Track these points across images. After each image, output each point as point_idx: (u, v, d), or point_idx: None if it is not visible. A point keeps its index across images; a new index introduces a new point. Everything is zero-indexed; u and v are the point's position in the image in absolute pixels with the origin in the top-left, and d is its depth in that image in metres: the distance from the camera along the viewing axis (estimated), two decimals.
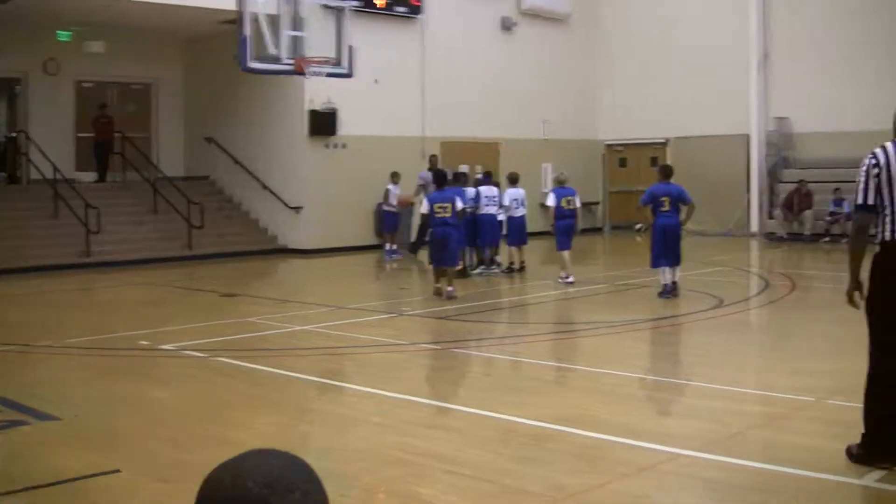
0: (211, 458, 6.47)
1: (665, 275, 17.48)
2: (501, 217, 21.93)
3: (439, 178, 18.93)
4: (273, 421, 9.62)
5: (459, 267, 20.48)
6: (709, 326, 15.05)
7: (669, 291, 17.38)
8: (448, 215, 18.07)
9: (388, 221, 26.68)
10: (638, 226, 32.89)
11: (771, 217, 31.09)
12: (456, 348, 13.43)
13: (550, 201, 20.43)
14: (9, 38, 25.85)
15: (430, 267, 18.76)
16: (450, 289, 17.96)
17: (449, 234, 18.09)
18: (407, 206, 25.00)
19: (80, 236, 24.95)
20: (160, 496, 7.12)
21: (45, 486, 7.50)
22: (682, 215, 17.71)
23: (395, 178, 26.49)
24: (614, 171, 35.94)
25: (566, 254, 19.93)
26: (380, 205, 27.28)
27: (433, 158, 27.43)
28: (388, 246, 26.51)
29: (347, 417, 9.62)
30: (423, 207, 18.62)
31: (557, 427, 8.77)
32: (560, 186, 20.68)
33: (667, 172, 18.09)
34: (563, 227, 20.26)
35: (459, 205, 18.39)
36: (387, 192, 26.36)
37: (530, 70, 33.15)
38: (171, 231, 27.17)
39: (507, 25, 32.67)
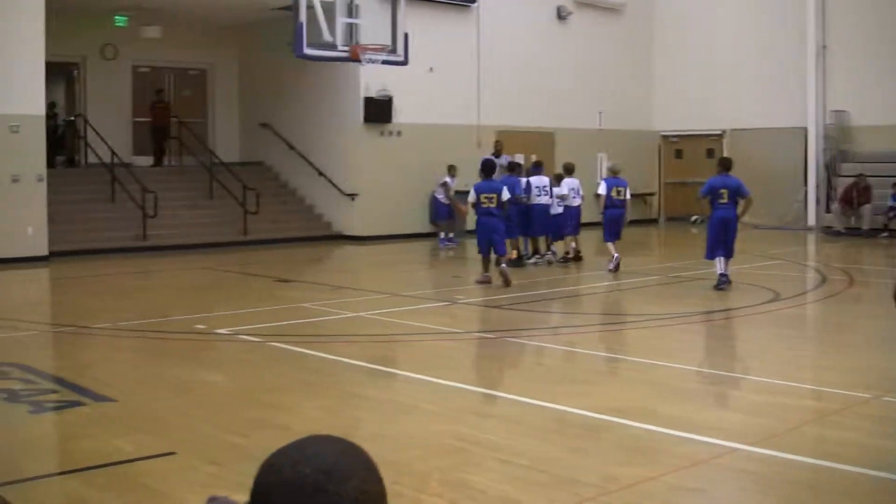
0: (263, 442, 6.55)
1: (721, 265, 17.39)
2: (559, 208, 21.81)
3: (486, 168, 18.87)
4: (324, 406, 9.64)
5: (514, 256, 20.52)
6: (764, 320, 14.93)
7: (725, 282, 17.29)
8: (493, 205, 18.05)
9: (441, 211, 26.68)
10: (693, 217, 32.71)
11: (828, 211, 30.77)
12: (509, 337, 13.41)
13: (601, 190, 20.47)
14: (67, 23, 26.04)
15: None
16: (486, 275, 18.08)
17: (493, 225, 18.07)
18: (462, 213, 24.50)
19: (136, 220, 25.14)
20: (213, 479, 7.15)
21: (100, 466, 7.56)
22: (740, 208, 17.58)
23: (451, 171, 26.44)
24: (670, 162, 35.74)
25: (611, 245, 19.97)
26: (434, 194, 27.29)
27: (498, 144, 27.37)
28: (442, 235, 26.51)
29: (400, 404, 9.62)
30: (470, 197, 18.58)
31: (611, 418, 8.73)
32: (612, 176, 20.68)
33: (726, 164, 18.01)
34: (610, 217, 20.29)
35: (506, 195, 18.34)
36: (444, 183, 26.31)
37: (585, 60, 33.01)
38: (227, 216, 27.32)
39: (562, 15, 32.55)
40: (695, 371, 11.30)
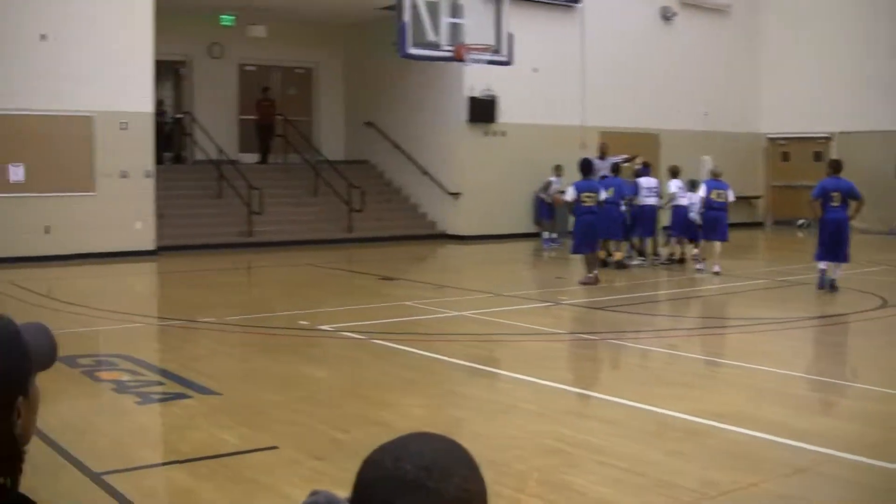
0: (364, 438, 6.61)
1: (825, 268, 17.22)
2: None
3: (585, 168, 18.91)
4: (425, 404, 9.70)
5: (619, 257, 20.55)
6: (871, 327, 14.70)
7: (824, 285, 17.13)
8: (593, 204, 18.13)
9: (545, 211, 26.63)
10: (801, 221, 32.28)
11: None
12: (611, 339, 13.36)
13: (701, 192, 20.40)
14: (175, 22, 26.42)
15: (584, 256, 18.76)
16: (591, 275, 18.11)
17: (594, 223, 18.17)
18: (560, 205, 24.53)
19: (242, 216, 25.46)
20: (316, 474, 7.22)
21: (205, 458, 7.68)
22: (851, 210, 17.38)
23: (558, 171, 26.35)
24: (776, 164, 35.27)
25: (717, 245, 19.90)
26: (537, 194, 27.25)
27: (603, 146, 27.33)
28: (546, 235, 26.47)
29: (501, 404, 9.64)
30: (569, 195, 18.62)
31: (712, 423, 8.67)
32: (713, 179, 20.61)
33: (836, 167, 17.83)
34: (709, 220, 20.20)
35: (602, 195, 18.44)
36: (548, 183, 26.26)
37: (690, 61, 32.72)
38: (331, 214, 27.53)
39: (666, 15, 32.31)
40: (799, 377, 11.15)
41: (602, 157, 27.15)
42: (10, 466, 1.96)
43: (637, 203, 21.39)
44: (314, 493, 1.91)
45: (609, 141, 28.82)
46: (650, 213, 21.66)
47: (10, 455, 1.96)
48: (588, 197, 18.42)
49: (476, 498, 1.88)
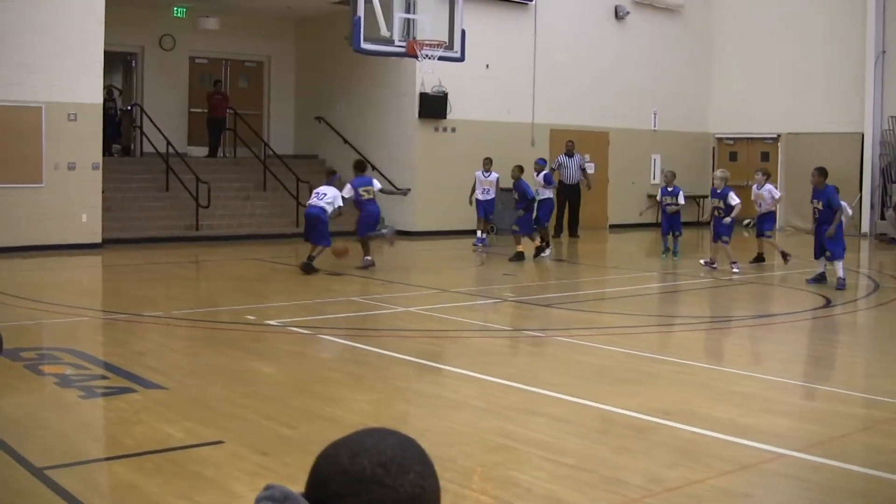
0: (311, 434, 6.59)
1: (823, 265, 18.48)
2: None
3: (359, 166, 21.19)
4: (372, 399, 9.67)
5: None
6: (816, 326, 14.85)
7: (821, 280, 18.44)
8: (371, 197, 20.29)
9: (477, 207, 26.03)
10: (746, 221, 32.44)
11: (883, 218, 30.49)
12: (559, 336, 13.38)
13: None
14: (126, 13, 26.26)
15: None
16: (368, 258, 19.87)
17: (376, 212, 20.52)
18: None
19: (190, 210, 25.34)
20: (261, 469, 7.19)
21: (151, 452, 7.63)
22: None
23: (486, 165, 25.81)
24: (724, 165, 35.38)
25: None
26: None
27: (569, 144, 27.87)
28: (479, 233, 26.16)
29: (447, 400, 9.63)
30: (346, 192, 20.16)
31: (658, 420, 8.71)
32: (664, 185, 21.81)
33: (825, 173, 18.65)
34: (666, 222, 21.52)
35: (377, 187, 20.61)
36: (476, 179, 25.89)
37: (642, 60, 32.87)
38: (279, 208, 27.45)
39: (619, 14, 32.43)
40: (743, 375, 11.19)
41: (569, 155, 27.47)
42: None
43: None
44: (269, 488, 1.90)
45: (560, 138, 29.06)
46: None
47: None
48: (365, 191, 20.02)
49: (431, 494, 1.88)
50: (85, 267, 21.71)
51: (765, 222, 21.50)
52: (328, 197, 19.59)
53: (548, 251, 22.82)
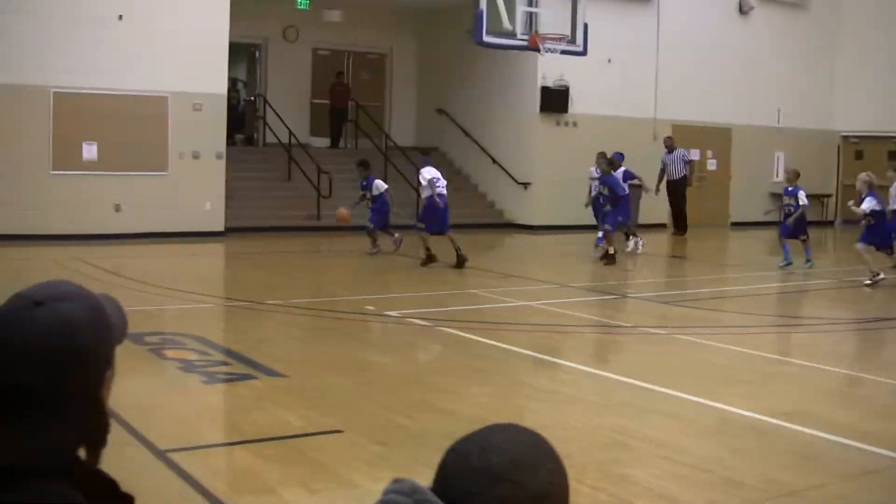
0: (429, 425, 6.59)
1: None
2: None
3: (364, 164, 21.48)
4: (490, 392, 9.67)
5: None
6: None
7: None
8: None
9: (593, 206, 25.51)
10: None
11: None
12: (678, 334, 13.24)
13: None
14: (251, 5, 26.55)
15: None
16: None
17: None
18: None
19: (311, 199, 25.54)
20: (379, 459, 7.23)
21: (269, 439, 7.73)
22: None
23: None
24: (849, 163, 34.80)
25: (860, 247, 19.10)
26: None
27: (668, 140, 27.25)
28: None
29: (565, 395, 9.60)
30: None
31: (777, 421, 8.57)
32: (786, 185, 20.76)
33: None
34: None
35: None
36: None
37: (766, 55, 32.34)
38: (400, 199, 27.51)
39: (744, 9, 31.98)
40: (866, 378, 10.97)
41: (670, 150, 27.02)
42: (99, 437, 1.99)
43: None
44: (397, 481, 1.89)
45: (681, 134, 28.70)
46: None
47: (98, 426, 1.99)
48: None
49: (560, 491, 1.87)
50: (208, 254, 22.05)
51: None
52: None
53: (636, 244, 22.53)
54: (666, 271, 21.79)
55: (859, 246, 18.61)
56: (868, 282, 17.93)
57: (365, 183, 20.94)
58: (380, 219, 20.75)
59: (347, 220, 20.17)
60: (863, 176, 19.09)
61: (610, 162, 21.72)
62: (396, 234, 20.76)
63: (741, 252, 26.24)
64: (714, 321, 14.97)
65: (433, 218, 19.24)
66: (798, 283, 18.91)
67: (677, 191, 27.99)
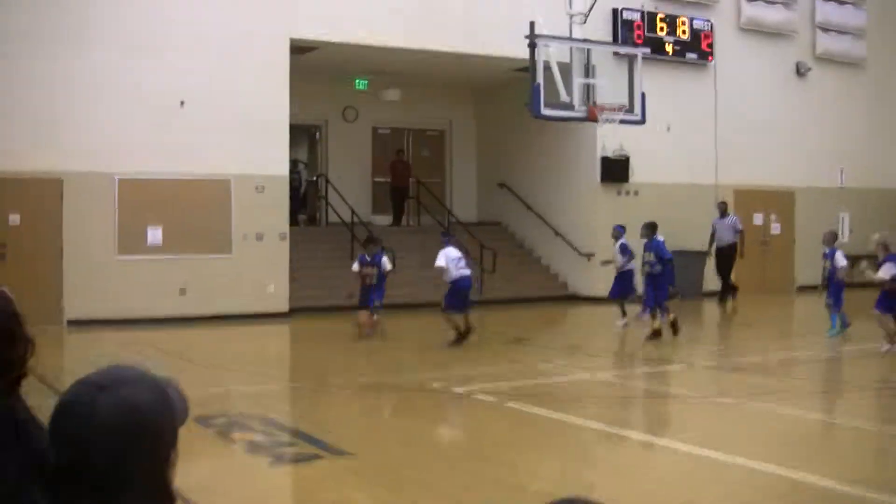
0: (499, 502, 6.47)
1: None
2: None
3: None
4: (559, 468, 9.58)
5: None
6: None
7: None
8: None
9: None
10: None
11: None
12: (747, 402, 13.05)
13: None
14: (311, 86, 26.83)
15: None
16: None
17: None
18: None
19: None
20: None
21: None
22: None
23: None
24: None
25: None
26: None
27: (721, 206, 27.02)
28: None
29: (635, 468, 9.48)
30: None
31: (849, 489, 8.38)
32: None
33: None
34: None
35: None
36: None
37: (825, 116, 32.17)
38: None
39: (801, 71, 31.87)
40: None
41: (723, 215, 26.69)
42: None
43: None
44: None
45: (744, 198, 28.57)
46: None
47: None
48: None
49: None
50: (272, 335, 22.11)
51: None
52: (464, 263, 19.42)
53: (621, 322, 21.52)
54: (729, 339, 21.56)
55: (876, 312, 17.35)
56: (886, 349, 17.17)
57: (372, 260, 20.52)
58: (382, 295, 20.47)
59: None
60: (877, 237, 18.08)
61: (651, 227, 21.02)
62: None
63: (808, 318, 25.90)
64: (782, 388, 14.79)
65: (457, 297, 19.06)
66: (861, 347, 18.56)
67: (726, 258, 27.24)
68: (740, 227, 27.16)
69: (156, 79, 22.17)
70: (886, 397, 13.72)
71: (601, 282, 26.61)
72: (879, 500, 8.10)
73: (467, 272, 19.02)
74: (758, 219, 30.61)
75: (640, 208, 27.50)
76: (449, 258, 18.82)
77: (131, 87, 22.03)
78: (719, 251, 27.20)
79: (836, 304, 19.59)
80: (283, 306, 23.69)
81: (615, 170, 27.76)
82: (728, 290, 27.06)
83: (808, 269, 30.59)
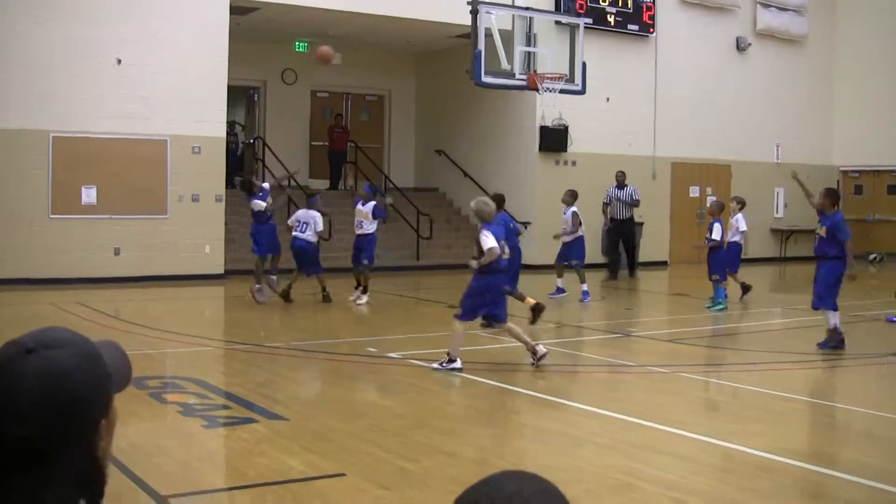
0: (432, 469, 6.50)
1: None
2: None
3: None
4: (492, 434, 9.60)
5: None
6: None
7: None
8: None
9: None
10: (872, 256, 31.86)
11: None
12: (682, 372, 13.14)
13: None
14: (250, 47, 26.64)
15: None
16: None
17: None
18: None
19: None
20: (382, 503, 7.13)
21: (272, 483, 7.63)
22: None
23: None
24: (849, 198, 34.76)
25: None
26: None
27: (620, 175, 26.29)
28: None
29: (569, 436, 9.49)
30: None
31: (784, 459, 8.46)
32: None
33: None
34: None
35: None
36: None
37: (764, 92, 32.44)
38: (400, 241, 27.52)
39: (741, 46, 32.06)
40: (871, 414, 10.83)
41: (620, 186, 26.40)
42: (94, 488, 1.95)
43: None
44: None
45: (681, 171, 28.76)
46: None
47: (93, 477, 1.95)
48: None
49: None
50: (207, 297, 21.99)
51: None
52: (309, 227, 19.64)
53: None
54: (667, 309, 21.70)
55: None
56: None
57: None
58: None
59: (329, 57, 19.59)
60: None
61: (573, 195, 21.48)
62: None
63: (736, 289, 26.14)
64: (719, 359, 14.92)
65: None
66: (800, 318, 18.75)
67: (626, 232, 26.92)
68: (637, 197, 26.61)
69: (92, 35, 21.88)
70: (824, 369, 13.85)
71: (538, 250, 26.71)
72: (818, 472, 8.18)
73: (302, 234, 19.57)
74: (694, 192, 30.83)
75: (577, 178, 27.59)
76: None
77: (66, 43, 21.72)
78: (618, 224, 26.68)
79: (721, 275, 19.85)
80: (219, 268, 23.55)
81: (554, 139, 27.80)
82: (620, 264, 26.95)
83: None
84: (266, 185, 20.53)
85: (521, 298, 16.59)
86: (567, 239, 21.21)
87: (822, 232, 14.89)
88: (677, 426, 9.67)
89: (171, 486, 7.49)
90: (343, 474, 7.84)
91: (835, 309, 14.65)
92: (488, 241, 12.87)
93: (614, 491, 7.63)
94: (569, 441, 9.30)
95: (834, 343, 14.63)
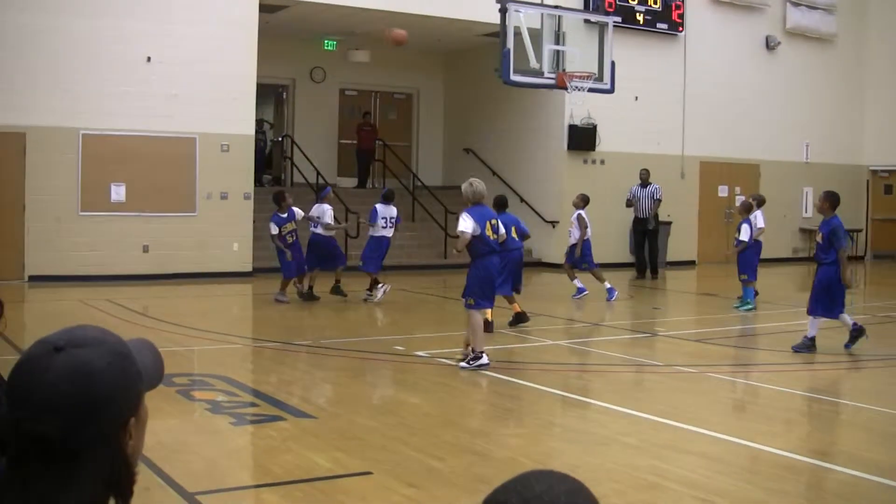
0: (459, 468, 6.49)
1: None
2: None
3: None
4: (522, 434, 9.58)
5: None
6: None
7: None
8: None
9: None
10: None
11: None
12: (710, 372, 13.10)
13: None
14: (278, 45, 26.68)
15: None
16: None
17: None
18: None
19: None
20: (409, 501, 7.13)
21: (299, 481, 7.64)
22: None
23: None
24: (878, 197, 34.63)
25: None
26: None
27: (644, 173, 26.18)
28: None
29: (597, 435, 9.48)
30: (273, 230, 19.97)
31: (811, 460, 8.44)
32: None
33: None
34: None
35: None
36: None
37: (793, 91, 32.28)
38: (428, 239, 27.53)
39: (770, 44, 31.92)
40: None
41: (644, 185, 26.25)
42: (123, 487, 1.95)
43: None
44: None
45: (709, 170, 28.64)
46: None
47: (123, 476, 1.95)
48: (285, 228, 19.70)
49: None
50: (235, 295, 22.03)
51: None
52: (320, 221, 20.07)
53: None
54: (696, 309, 21.63)
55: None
56: None
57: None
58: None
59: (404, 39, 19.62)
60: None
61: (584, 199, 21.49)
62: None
63: (769, 290, 26.02)
64: (746, 359, 14.86)
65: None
66: (828, 319, 18.64)
67: (649, 230, 26.56)
68: (659, 196, 26.37)
69: (123, 34, 21.98)
70: (856, 370, 13.78)
71: (564, 249, 26.58)
72: (846, 473, 8.14)
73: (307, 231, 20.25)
74: (723, 191, 30.73)
75: (606, 177, 27.59)
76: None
77: (97, 42, 21.83)
78: (640, 222, 26.52)
79: (750, 275, 19.71)
80: (247, 266, 23.60)
81: (582, 138, 27.75)
82: (655, 263, 26.75)
83: (772, 242, 30.81)
84: (297, 210, 20.39)
85: (511, 301, 16.52)
86: (573, 241, 21.13)
87: (819, 237, 14.87)
88: (704, 426, 9.64)
89: (199, 484, 7.51)
90: (370, 472, 7.85)
91: (832, 315, 14.60)
92: (461, 223, 12.83)
93: (641, 490, 7.61)
94: (596, 440, 9.28)
95: (804, 348, 14.56)
